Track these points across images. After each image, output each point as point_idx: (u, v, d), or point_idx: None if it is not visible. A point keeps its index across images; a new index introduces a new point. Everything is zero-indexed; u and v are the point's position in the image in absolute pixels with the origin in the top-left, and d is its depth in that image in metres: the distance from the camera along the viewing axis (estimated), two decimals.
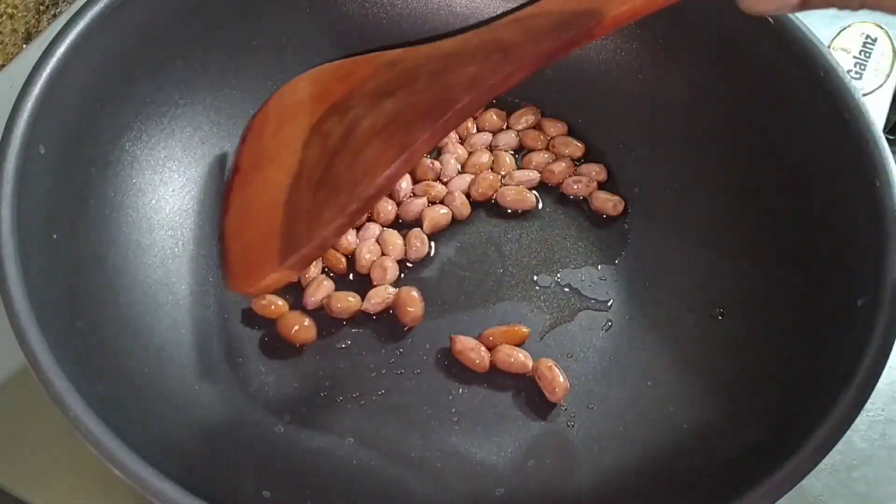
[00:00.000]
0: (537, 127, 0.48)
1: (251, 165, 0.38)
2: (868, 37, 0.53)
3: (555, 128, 0.48)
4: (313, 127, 0.36)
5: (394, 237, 0.44)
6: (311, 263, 0.38)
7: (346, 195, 0.33)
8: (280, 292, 0.41)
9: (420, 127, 0.32)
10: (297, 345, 0.41)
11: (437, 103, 0.32)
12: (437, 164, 0.46)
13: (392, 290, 0.42)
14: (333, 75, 0.37)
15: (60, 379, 0.30)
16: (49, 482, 0.39)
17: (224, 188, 0.39)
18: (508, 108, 0.48)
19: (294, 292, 0.42)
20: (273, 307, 0.41)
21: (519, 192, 0.45)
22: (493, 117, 0.48)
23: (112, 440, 0.29)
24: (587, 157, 0.47)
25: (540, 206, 0.46)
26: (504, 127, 0.48)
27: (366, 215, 0.44)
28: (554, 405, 0.40)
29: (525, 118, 0.48)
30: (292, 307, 0.41)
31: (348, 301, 0.41)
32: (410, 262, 0.44)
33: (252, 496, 0.35)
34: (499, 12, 0.48)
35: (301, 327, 0.40)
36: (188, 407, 0.37)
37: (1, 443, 0.40)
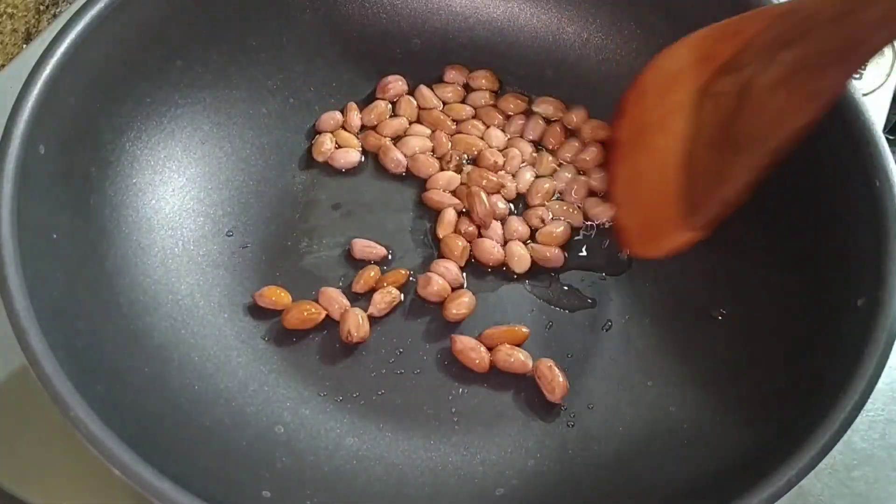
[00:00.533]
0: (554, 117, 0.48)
1: (634, 137, 0.38)
2: None
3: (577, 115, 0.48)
4: (701, 89, 0.36)
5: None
6: (718, 223, 0.37)
7: (752, 151, 0.33)
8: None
9: (831, 70, 0.32)
10: (308, 329, 0.41)
11: (846, 45, 0.31)
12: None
13: (395, 291, 0.42)
14: (716, 37, 0.37)
15: (60, 379, 0.30)
16: (49, 482, 0.39)
17: (604, 164, 0.40)
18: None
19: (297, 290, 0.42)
20: (275, 298, 0.41)
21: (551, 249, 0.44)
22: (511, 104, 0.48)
23: (112, 440, 0.29)
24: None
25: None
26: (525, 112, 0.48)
27: None
28: (554, 405, 0.40)
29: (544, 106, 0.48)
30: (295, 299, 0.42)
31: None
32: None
33: (252, 496, 0.35)
34: (498, 11, 0.49)
35: (310, 314, 0.41)
36: (188, 407, 0.37)
37: (1, 443, 0.40)
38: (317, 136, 0.47)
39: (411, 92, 0.48)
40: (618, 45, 0.47)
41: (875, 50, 0.32)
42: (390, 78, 0.48)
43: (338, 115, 0.47)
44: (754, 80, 0.34)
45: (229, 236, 0.43)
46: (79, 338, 0.34)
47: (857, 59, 0.32)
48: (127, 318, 0.38)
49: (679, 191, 0.36)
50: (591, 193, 0.45)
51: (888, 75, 0.52)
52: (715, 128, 0.35)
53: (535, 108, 0.48)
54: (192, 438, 0.36)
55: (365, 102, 0.48)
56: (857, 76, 0.52)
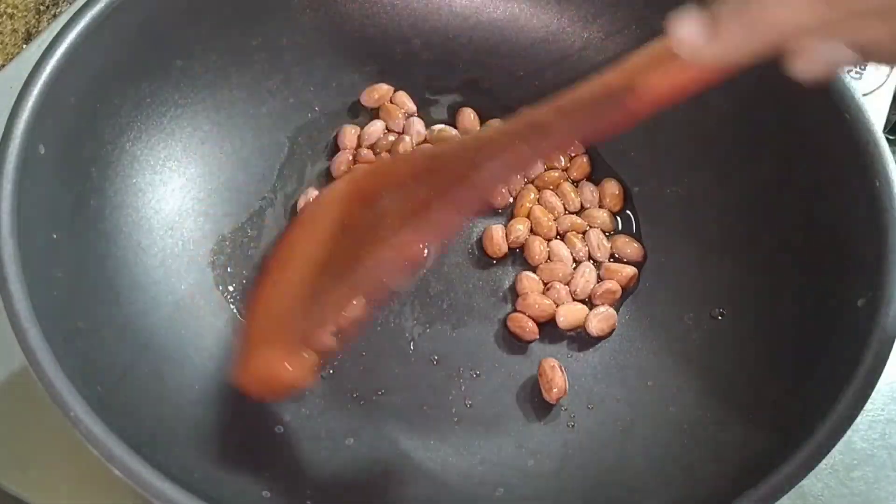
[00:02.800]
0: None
1: (278, 266, 0.38)
2: None
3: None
4: (343, 221, 0.36)
5: None
6: (310, 344, 0.36)
7: (354, 272, 0.34)
8: None
9: (443, 203, 0.33)
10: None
11: (466, 180, 0.33)
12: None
13: None
14: (368, 172, 0.38)
15: (60, 379, 0.30)
16: (49, 482, 0.39)
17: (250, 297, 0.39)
18: (506, 112, 0.48)
19: None
20: None
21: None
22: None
23: (112, 440, 0.29)
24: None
25: None
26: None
27: None
28: (554, 407, 0.40)
29: None
30: None
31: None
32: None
33: (252, 496, 0.35)
34: (498, 11, 0.49)
35: None
36: (188, 407, 0.37)
37: (1, 443, 0.40)
38: (337, 153, 0.47)
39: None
40: (618, 45, 0.47)
41: (491, 188, 0.35)
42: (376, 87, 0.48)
43: (356, 131, 0.47)
44: (385, 212, 0.35)
45: (229, 236, 0.43)
46: (79, 338, 0.34)
47: (470, 194, 0.34)
48: (127, 318, 0.38)
49: (299, 318, 0.35)
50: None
51: (888, 75, 0.52)
52: (341, 256, 0.35)
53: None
54: (192, 438, 0.36)
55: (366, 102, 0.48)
56: (857, 76, 0.52)
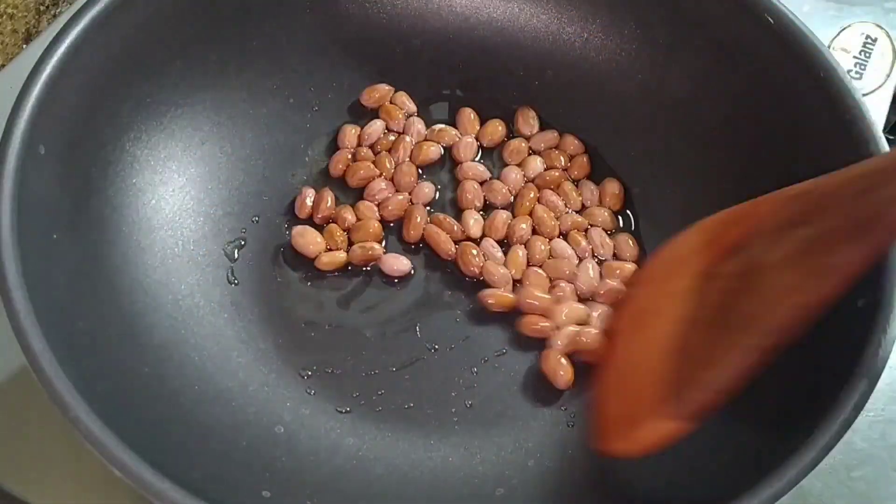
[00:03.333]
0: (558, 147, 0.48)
1: (631, 326, 0.37)
2: (868, 37, 0.53)
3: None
4: (704, 273, 0.35)
5: None
6: (706, 413, 0.34)
7: (754, 331, 0.32)
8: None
9: (847, 247, 0.31)
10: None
11: (863, 222, 0.31)
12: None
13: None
14: (725, 221, 0.36)
15: (60, 379, 0.30)
16: (49, 482, 0.39)
17: (595, 359, 0.39)
18: (506, 112, 0.48)
19: None
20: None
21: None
22: (498, 128, 0.48)
23: (112, 440, 0.29)
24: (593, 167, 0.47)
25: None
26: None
27: None
28: (554, 406, 0.40)
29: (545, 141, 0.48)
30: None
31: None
32: None
33: (252, 496, 0.35)
34: (498, 12, 0.49)
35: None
36: (188, 407, 0.37)
37: (1, 443, 0.40)
38: (337, 151, 0.47)
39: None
40: (618, 45, 0.47)
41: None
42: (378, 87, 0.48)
43: (356, 130, 0.47)
44: (762, 259, 0.33)
45: (229, 236, 0.43)
46: (79, 338, 0.34)
47: (877, 236, 0.31)
48: (127, 318, 0.38)
49: (667, 375, 0.34)
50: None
51: (888, 75, 0.52)
52: (716, 309, 0.34)
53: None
54: (192, 438, 0.36)
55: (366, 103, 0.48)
56: (857, 76, 0.52)
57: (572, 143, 0.47)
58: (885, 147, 0.37)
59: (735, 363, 0.32)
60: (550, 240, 0.45)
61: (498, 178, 0.46)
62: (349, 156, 0.46)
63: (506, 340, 0.42)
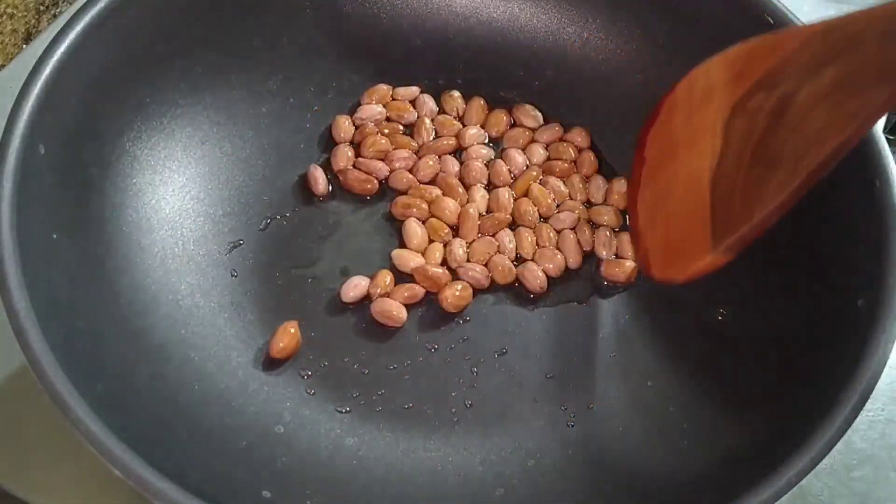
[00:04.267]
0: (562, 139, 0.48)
1: (661, 156, 0.38)
2: None
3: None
4: (734, 106, 0.35)
5: None
6: (747, 245, 0.35)
7: (787, 170, 0.32)
8: None
9: (874, 89, 0.30)
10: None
11: (890, 64, 0.30)
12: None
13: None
14: (751, 53, 0.36)
15: (60, 379, 0.30)
16: (49, 482, 0.39)
17: (627, 185, 0.40)
18: (507, 104, 0.48)
19: None
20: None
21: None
22: (502, 118, 0.48)
23: (112, 440, 0.29)
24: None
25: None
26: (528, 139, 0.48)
27: None
28: (554, 406, 0.40)
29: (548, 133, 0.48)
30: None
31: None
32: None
33: (252, 496, 0.35)
34: (498, 12, 0.49)
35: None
36: (188, 407, 0.37)
37: (1, 443, 0.40)
38: (335, 147, 0.46)
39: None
40: (618, 45, 0.47)
41: None
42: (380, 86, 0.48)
43: (348, 120, 0.47)
44: (792, 97, 0.33)
45: (229, 236, 0.43)
46: (79, 338, 0.34)
47: None
48: (127, 318, 0.38)
49: (708, 211, 0.35)
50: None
51: None
52: (748, 145, 0.34)
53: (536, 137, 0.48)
54: (192, 438, 0.36)
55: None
56: None
57: (580, 135, 0.47)
58: (885, 147, 0.37)
59: (772, 198, 0.33)
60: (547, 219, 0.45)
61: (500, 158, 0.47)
62: (349, 154, 0.46)
63: (506, 340, 0.42)
